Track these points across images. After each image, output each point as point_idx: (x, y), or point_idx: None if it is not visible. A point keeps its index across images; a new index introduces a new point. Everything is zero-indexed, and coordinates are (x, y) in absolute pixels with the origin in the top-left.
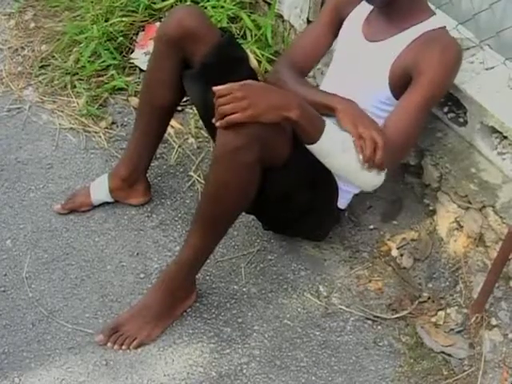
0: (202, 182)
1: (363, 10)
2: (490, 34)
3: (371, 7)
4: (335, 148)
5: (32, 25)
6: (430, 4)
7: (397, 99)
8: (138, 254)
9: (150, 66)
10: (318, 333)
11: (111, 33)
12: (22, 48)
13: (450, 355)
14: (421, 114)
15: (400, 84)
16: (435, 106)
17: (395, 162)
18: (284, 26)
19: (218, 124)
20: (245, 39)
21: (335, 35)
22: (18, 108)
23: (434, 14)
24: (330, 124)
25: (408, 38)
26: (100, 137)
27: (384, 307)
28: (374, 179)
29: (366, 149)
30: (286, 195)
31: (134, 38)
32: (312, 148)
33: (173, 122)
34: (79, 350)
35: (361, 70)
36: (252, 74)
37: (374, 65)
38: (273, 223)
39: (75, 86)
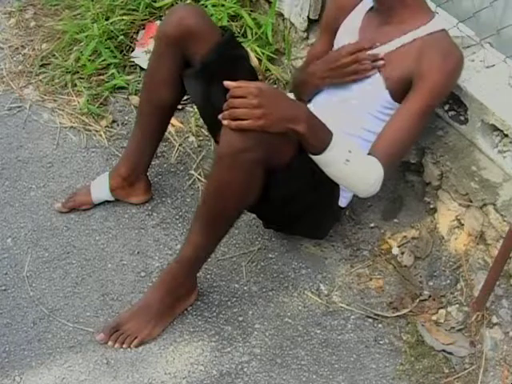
0: (203, 180)
1: (357, 16)
2: (491, 31)
3: (364, 13)
4: (337, 161)
5: (32, 23)
6: (430, 3)
7: (398, 102)
8: (138, 252)
9: (150, 64)
10: (318, 331)
11: (112, 31)
12: (23, 47)
13: (450, 353)
14: (418, 122)
15: (400, 88)
16: (435, 109)
17: (391, 168)
18: (284, 24)
19: (225, 122)
20: (245, 38)
21: None
22: (19, 107)
23: (434, 16)
24: (337, 138)
25: (407, 41)
26: (101, 135)
27: (385, 305)
28: (369, 189)
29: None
30: (289, 196)
31: (135, 36)
32: (314, 158)
33: (173, 121)
34: (80, 349)
35: None
36: (252, 73)
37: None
38: (274, 222)
39: (76, 85)
